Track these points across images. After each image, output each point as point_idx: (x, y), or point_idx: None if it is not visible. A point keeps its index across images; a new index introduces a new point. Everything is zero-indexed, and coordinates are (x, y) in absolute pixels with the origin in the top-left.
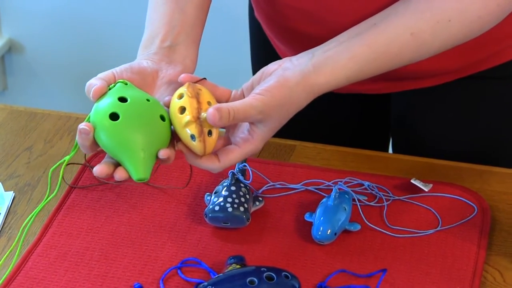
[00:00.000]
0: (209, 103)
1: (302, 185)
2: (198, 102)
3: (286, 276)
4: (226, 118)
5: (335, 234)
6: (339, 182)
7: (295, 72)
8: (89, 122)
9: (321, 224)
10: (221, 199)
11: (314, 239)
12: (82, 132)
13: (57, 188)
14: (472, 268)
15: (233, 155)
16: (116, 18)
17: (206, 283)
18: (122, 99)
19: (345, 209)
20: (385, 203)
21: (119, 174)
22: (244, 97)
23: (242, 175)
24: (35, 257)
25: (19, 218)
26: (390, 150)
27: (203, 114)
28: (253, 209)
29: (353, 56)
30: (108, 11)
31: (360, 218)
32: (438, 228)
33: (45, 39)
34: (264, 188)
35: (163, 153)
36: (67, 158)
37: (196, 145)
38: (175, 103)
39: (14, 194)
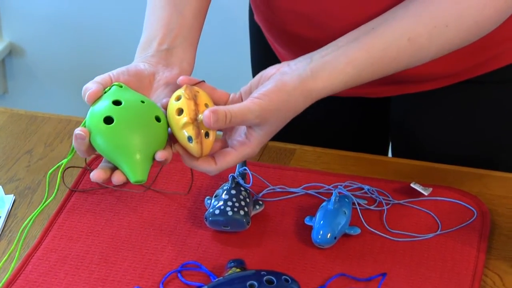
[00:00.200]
0: (206, 105)
1: (302, 189)
2: (196, 104)
3: (286, 280)
4: (223, 121)
5: (335, 238)
6: (339, 186)
7: (293, 77)
8: (85, 126)
9: (321, 227)
10: (221, 202)
11: (314, 243)
12: (78, 137)
13: (55, 192)
14: (471, 272)
15: (230, 158)
16: (116, 22)
17: (206, 287)
18: (117, 102)
19: (345, 213)
20: (385, 207)
21: (117, 178)
22: (242, 101)
23: (242, 178)
24: (35, 261)
25: (19, 222)
26: (390, 154)
27: (200, 116)
28: (253, 213)
29: (351, 61)
30: (108, 15)
31: (360, 222)
32: (438, 232)
33: (46, 43)
34: (264, 191)
35: (160, 155)
36: (64, 162)
37: (193, 146)
38: (173, 105)
39: (14, 197)
